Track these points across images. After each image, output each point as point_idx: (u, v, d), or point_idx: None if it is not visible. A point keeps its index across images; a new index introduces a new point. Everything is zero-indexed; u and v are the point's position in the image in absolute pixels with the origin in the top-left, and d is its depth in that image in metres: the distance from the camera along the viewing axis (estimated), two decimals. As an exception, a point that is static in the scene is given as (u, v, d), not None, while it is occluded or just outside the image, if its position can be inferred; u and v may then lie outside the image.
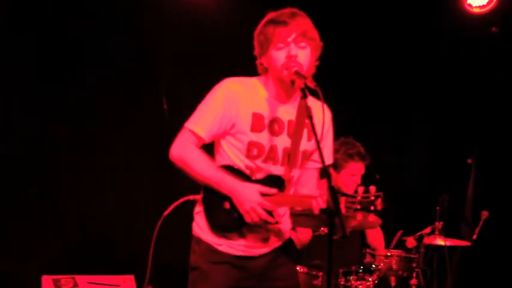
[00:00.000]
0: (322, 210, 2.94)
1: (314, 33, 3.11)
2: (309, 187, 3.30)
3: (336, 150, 5.24)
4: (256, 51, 3.17)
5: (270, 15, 3.13)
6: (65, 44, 5.42)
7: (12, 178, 5.25)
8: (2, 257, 5.13)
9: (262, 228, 3.16)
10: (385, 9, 6.34)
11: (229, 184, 3.06)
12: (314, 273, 4.81)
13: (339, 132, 5.53)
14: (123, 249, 4.70)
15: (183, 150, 3.12)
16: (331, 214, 2.73)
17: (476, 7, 6.11)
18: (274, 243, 3.27)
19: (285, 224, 3.32)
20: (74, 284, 4.68)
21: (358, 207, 2.90)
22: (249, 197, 3.02)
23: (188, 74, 5.66)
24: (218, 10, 5.80)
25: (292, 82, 2.97)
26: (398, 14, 6.33)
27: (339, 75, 6.31)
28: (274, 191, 3.06)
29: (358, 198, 2.90)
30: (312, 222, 4.34)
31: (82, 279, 4.74)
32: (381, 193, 2.89)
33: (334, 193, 2.71)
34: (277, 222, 3.10)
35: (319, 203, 2.96)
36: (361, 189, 2.90)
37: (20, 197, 5.27)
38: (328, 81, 5.98)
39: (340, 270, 4.93)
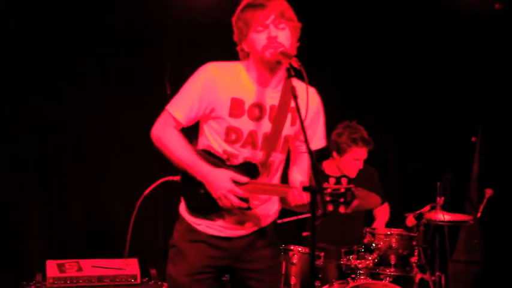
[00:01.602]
0: (304, 189, 2.94)
1: (291, 14, 3.13)
2: (301, 171, 3.33)
3: (339, 134, 5.29)
4: (236, 37, 3.19)
5: (245, 0, 3.14)
6: (63, 38, 5.49)
7: (18, 165, 5.34)
8: (6, 243, 5.23)
9: (242, 212, 3.18)
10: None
11: (202, 170, 3.10)
12: (316, 253, 4.87)
13: (341, 113, 5.60)
14: (126, 233, 4.76)
15: (162, 131, 3.18)
16: (313, 192, 2.77)
17: (478, -16, 6.07)
18: (254, 226, 3.30)
19: (268, 208, 3.34)
20: (78, 268, 4.75)
21: (328, 199, 2.93)
22: (220, 184, 3.05)
23: (191, 59, 5.69)
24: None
25: (279, 62, 3.02)
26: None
27: (340, 56, 6.31)
28: (246, 179, 3.08)
29: (329, 190, 2.93)
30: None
31: (86, 263, 4.80)
32: (351, 185, 2.93)
33: (317, 172, 2.75)
34: (249, 208, 3.12)
35: (296, 195, 3.00)
36: (332, 181, 2.93)
37: (25, 184, 5.36)
38: (330, 63, 6.09)
39: (343, 250, 5.00)
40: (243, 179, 3.08)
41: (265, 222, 3.35)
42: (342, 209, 2.93)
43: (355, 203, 4.34)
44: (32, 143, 5.39)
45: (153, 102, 5.42)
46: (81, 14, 5.50)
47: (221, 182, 3.05)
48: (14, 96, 5.32)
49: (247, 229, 3.29)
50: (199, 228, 3.24)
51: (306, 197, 2.96)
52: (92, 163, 5.57)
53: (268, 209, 3.34)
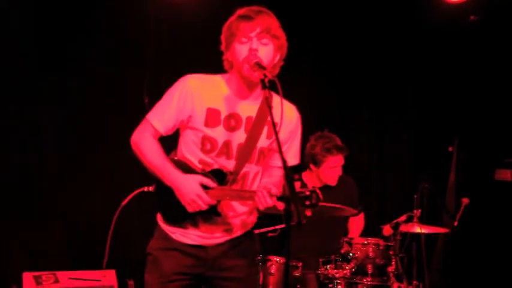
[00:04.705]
0: (278, 198, 3.01)
1: (279, 32, 3.18)
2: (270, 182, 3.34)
3: (312, 146, 5.33)
4: (223, 46, 3.24)
5: (239, 11, 3.20)
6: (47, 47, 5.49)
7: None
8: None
9: (216, 220, 3.25)
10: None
11: (171, 175, 3.18)
12: (294, 264, 4.89)
13: (320, 124, 5.64)
14: (105, 245, 4.75)
15: (139, 138, 3.27)
16: (287, 201, 2.80)
17: (453, -4, 6.12)
18: (229, 235, 3.35)
19: (244, 218, 3.38)
20: (55, 280, 4.74)
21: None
22: (189, 189, 3.12)
23: (169, 72, 5.71)
24: (201, 8, 5.85)
25: (255, 77, 3.05)
26: (376, 4, 6.36)
27: (320, 64, 6.39)
28: (214, 184, 3.14)
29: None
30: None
31: (63, 275, 4.79)
32: (316, 188, 2.97)
33: (291, 181, 2.77)
34: (218, 214, 3.19)
35: (261, 199, 3.04)
36: (298, 184, 2.95)
37: (0, 194, 5.32)
38: (310, 71, 6.13)
39: (321, 260, 5.01)
40: (211, 183, 3.14)
41: (240, 231, 3.40)
42: (308, 212, 2.95)
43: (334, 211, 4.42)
44: (10, 152, 5.37)
45: (131, 112, 5.45)
46: (61, 23, 5.52)
47: (189, 187, 3.12)
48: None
49: (221, 238, 3.33)
50: (173, 236, 3.31)
51: (270, 200, 3.02)
52: (69, 173, 5.55)
53: (244, 220, 3.38)
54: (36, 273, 4.74)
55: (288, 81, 3.07)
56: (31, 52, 5.42)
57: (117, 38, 5.67)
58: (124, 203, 4.36)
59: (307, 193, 2.94)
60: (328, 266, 4.93)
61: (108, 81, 5.68)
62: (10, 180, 5.37)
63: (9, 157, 5.37)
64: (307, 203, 2.95)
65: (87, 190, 5.60)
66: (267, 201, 3.02)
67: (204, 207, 3.11)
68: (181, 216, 3.22)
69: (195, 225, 3.26)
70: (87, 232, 5.48)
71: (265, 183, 3.26)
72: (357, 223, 5.65)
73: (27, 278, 4.70)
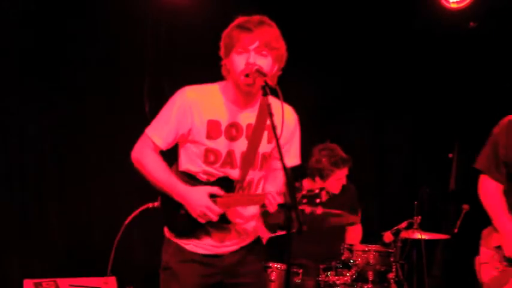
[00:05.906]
0: (280, 205, 3.02)
1: (278, 44, 3.14)
2: (273, 186, 3.34)
3: (318, 161, 5.28)
4: (222, 52, 3.22)
5: (240, 19, 3.16)
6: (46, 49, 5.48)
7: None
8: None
9: (227, 228, 3.24)
10: (365, 4, 6.37)
11: (179, 190, 3.16)
12: (294, 270, 4.88)
13: (320, 122, 5.64)
14: (104, 252, 4.73)
15: (141, 154, 3.24)
16: (288, 208, 2.79)
17: (453, 2, 6.08)
18: (242, 241, 3.35)
19: (253, 224, 3.39)
20: (56, 287, 4.71)
21: (304, 201, 2.96)
22: (198, 202, 3.11)
23: (170, 76, 5.71)
24: (200, 9, 5.85)
25: (254, 81, 3.02)
26: (376, 9, 6.36)
27: (320, 67, 6.39)
28: (222, 192, 3.13)
29: (303, 192, 2.97)
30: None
31: (63, 282, 4.77)
32: (324, 186, 2.98)
33: (292, 188, 2.77)
34: (228, 222, 3.19)
35: (271, 200, 3.05)
36: (299, 195, 2.94)
37: (1, 200, 5.30)
38: (310, 72, 6.13)
39: (321, 267, 5.00)
40: (219, 191, 3.13)
41: (252, 238, 3.40)
42: (319, 210, 2.94)
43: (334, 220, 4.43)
44: (11, 158, 5.36)
45: (131, 112, 5.49)
46: (61, 22, 5.53)
47: (198, 200, 3.11)
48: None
49: (235, 245, 3.33)
50: (187, 248, 3.28)
51: (280, 199, 3.04)
52: (71, 179, 5.55)
53: (253, 226, 3.39)
54: (37, 280, 4.71)
55: (288, 82, 3.08)
56: (31, 52, 5.40)
57: (117, 38, 5.66)
58: (127, 221, 4.34)
59: (316, 191, 2.94)
60: (329, 272, 4.94)
61: (108, 81, 5.66)
62: (10, 188, 5.35)
63: (9, 157, 5.35)
64: (317, 201, 2.94)
65: (87, 191, 5.60)
66: (277, 200, 3.04)
67: (215, 218, 3.11)
68: (191, 227, 3.21)
69: (208, 233, 3.25)
70: (86, 234, 5.48)
71: (268, 187, 3.28)
72: (355, 233, 5.63)
73: (28, 284, 4.68)
